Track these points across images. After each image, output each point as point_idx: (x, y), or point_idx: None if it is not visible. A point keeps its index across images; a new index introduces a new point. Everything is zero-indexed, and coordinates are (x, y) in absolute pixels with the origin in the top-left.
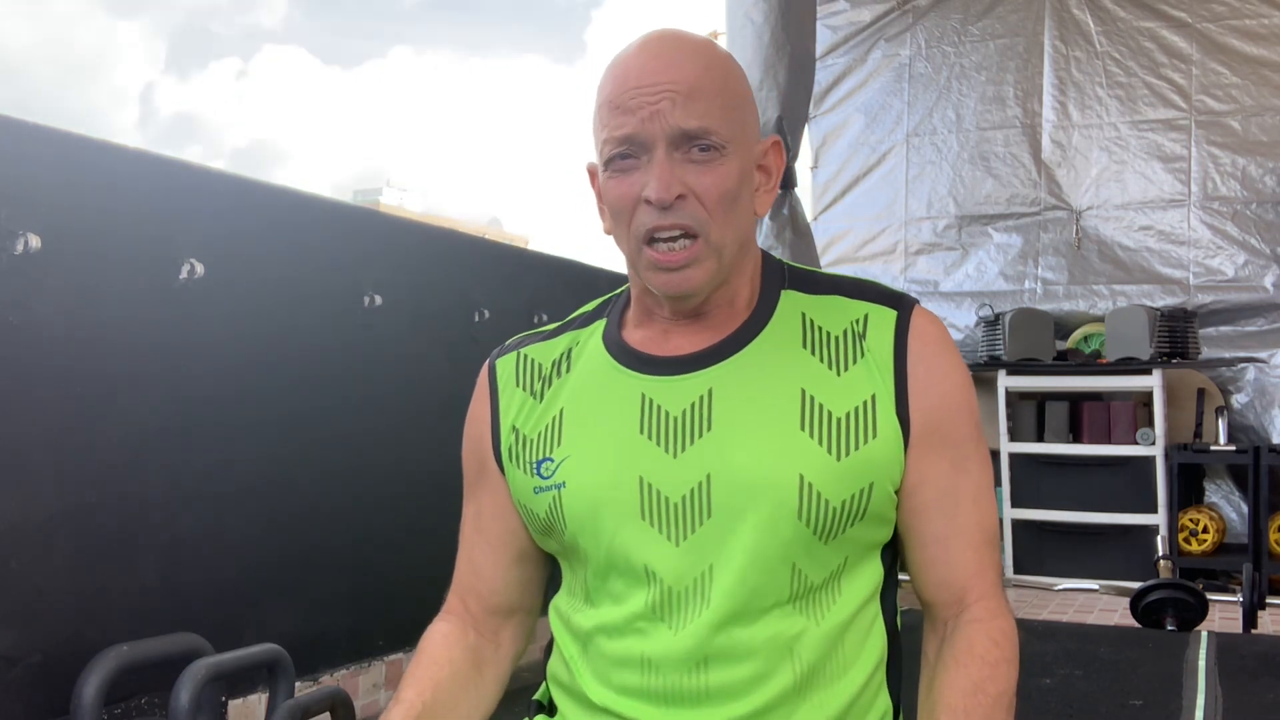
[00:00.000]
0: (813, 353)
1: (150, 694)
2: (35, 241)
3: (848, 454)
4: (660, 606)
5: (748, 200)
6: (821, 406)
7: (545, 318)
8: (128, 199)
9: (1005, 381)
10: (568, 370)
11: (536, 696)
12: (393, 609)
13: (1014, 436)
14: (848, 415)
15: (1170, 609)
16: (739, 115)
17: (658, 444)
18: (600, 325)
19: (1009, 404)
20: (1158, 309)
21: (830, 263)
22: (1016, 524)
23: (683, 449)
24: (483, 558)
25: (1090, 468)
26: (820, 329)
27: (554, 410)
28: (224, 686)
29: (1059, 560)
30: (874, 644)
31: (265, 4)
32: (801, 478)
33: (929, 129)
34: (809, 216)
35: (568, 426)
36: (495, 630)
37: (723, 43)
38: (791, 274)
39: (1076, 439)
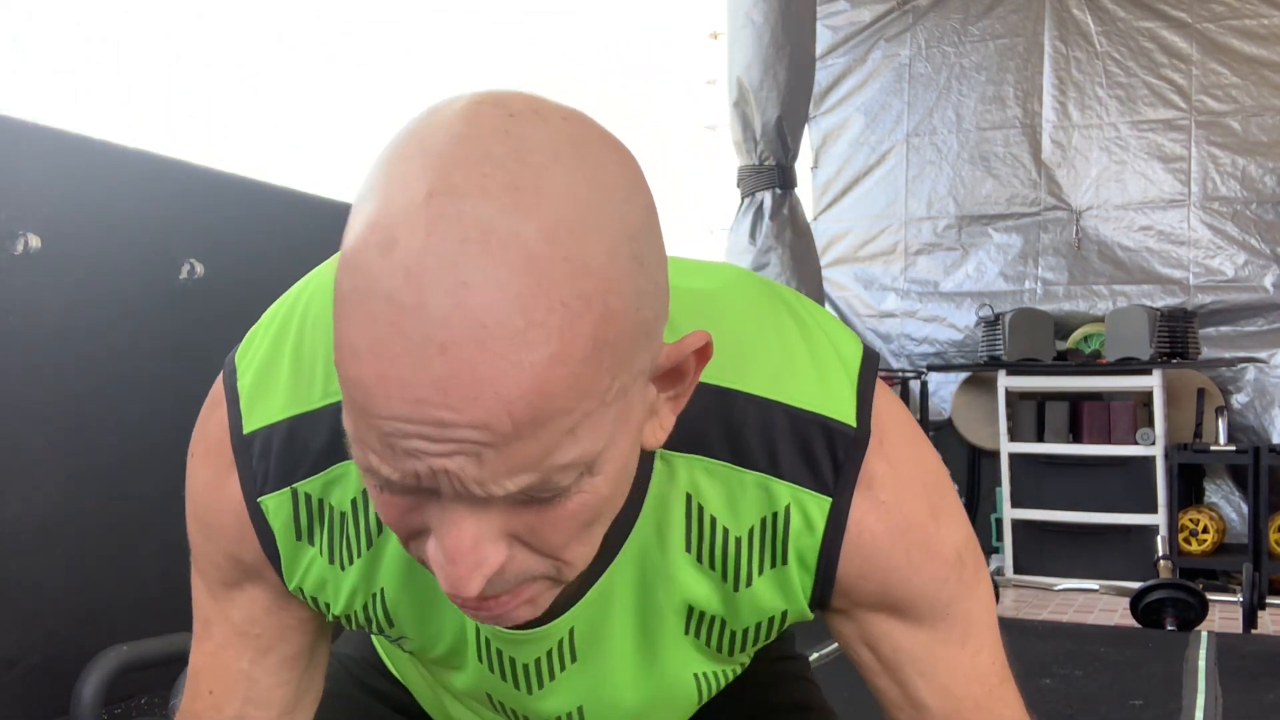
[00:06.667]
0: (700, 560)
1: (150, 694)
2: (35, 241)
3: (743, 649)
4: None
5: (630, 475)
6: (714, 619)
7: None
8: (128, 199)
9: (1005, 381)
10: (379, 533)
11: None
12: None
13: (1014, 436)
14: (747, 630)
15: (1170, 609)
16: (620, 383)
17: (513, 685)
18: None
19: (1009, 404)
20: (1158, 309)
21: (830, 263)
22: (1016, 524)
23: (541, 685)
24: (259, 670)
25: (1090, 468)
26: (715, 523)
27: (373, 587)
28: None
29: (1059, 560)
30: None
31: None
32: (696, 676)
33: (929, 129)
34: (809, 216)
35: (398, 612)
36: None
37: (723, 42)
38: (699, 402)
39: (1076, 439)
